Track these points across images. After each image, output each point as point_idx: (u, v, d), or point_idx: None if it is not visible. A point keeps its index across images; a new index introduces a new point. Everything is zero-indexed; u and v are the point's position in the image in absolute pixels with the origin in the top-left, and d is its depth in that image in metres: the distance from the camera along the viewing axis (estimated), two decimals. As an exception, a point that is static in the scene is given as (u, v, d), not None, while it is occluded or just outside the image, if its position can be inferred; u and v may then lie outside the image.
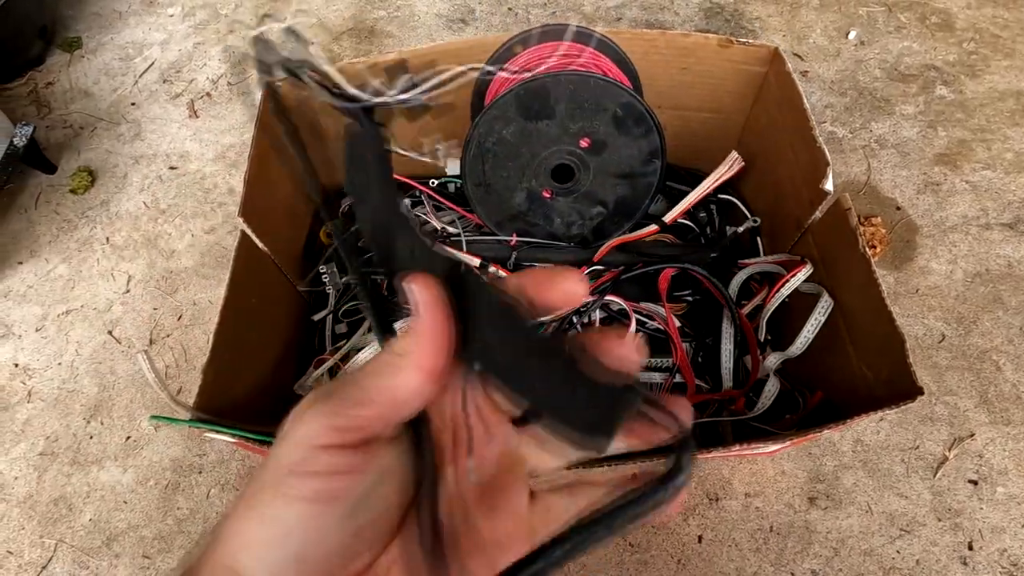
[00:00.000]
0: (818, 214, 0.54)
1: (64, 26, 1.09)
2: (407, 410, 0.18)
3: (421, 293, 0.17)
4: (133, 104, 0.98)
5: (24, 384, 0.74)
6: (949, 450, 0.63)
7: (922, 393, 0.41)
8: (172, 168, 0.90)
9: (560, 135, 0.56)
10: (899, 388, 0.43)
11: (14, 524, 0.65)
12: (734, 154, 0.62)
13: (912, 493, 0.62)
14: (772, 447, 0.49)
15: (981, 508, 0.61)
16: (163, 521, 0.64)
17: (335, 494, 0.17)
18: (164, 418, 0.43)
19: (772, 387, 0.55)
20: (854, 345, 0.50)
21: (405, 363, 0.17)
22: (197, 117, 0.95)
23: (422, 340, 0.17)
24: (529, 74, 0.52)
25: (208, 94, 0.98)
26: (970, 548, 0.59)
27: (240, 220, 0.52)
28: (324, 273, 0.66)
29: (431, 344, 0.17)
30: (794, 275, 0.55)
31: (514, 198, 0.61)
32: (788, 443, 0.46)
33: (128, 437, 0.69)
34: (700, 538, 0.61)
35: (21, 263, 0.83)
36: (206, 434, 0.42)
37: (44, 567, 0.63)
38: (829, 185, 0.51)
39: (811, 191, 0.53)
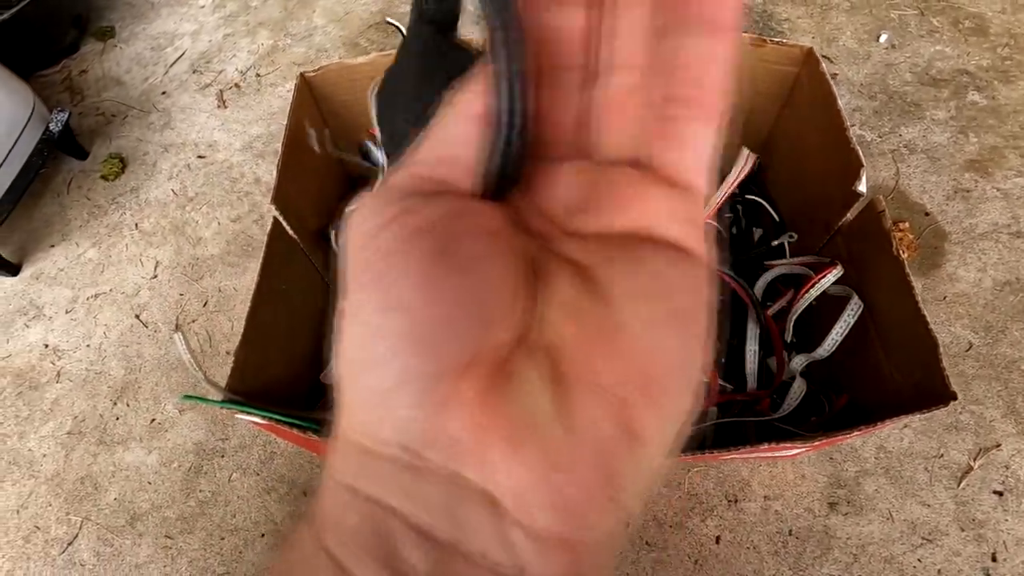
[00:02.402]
0: (849, 216, 0.53)
1: (98, 15, 1.11)
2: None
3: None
4: (164, 93, 1.00)
5: (53, 364, 0.75)
6: (974, 460, 0.62)
7: (955, 398, 0.40)
8: (200, 157, 0.91)
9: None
10: (930, 392, 0.42)
11: (42, 501, 0.66)
12: (745, 151, 0.61)
13: (935, 502, 0.61)
14: (798, 448, 0.49)
15: (1006, 519, 0.60)
16: (185, 503, 0.65)
17: (420, 229, 0.13)
18: (196, 398, 0.43)
19: (798, 389, 0.54)
20: (884, 348, 0.49)
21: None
22: (225, 107, 0.96)
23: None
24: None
25: (237, 85, 0.99)
26: (994, 559, 0.58)
27: (272, 207, 0.53)
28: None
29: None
30: (824, 276, 0.54)
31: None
32: (815, 445, 0.46)
33: (153, 419, 0.70)
34: (718, 539, 0.60)
35: (53, 246, 0.85)
36: (237, 415, 0.42)
37: (70, 543, 0.64)
38: (863, 187, 0.50)
39: (843, 193, 0.53)
